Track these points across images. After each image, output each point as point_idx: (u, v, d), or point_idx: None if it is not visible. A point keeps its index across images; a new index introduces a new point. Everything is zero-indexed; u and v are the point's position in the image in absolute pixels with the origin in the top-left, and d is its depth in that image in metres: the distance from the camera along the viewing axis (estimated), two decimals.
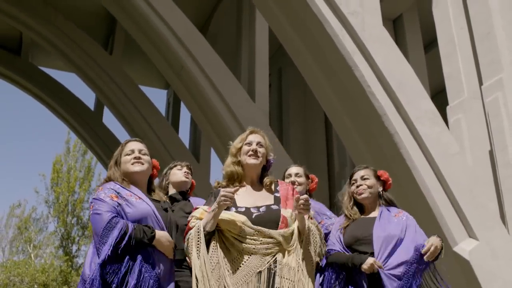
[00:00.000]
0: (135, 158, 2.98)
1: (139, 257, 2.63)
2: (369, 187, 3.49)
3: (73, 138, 26.95)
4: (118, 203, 2.74)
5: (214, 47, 9.89)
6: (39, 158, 49.29)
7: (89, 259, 2.70)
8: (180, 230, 3.38)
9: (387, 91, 5.91)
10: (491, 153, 6.20)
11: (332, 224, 3.64)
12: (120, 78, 13.27)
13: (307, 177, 3.99)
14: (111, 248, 2.56)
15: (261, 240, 2.65)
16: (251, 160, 2.90)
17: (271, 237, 2.66)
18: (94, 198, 2.79)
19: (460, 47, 6.90)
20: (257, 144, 2.96)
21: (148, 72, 16.13)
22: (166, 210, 2.95)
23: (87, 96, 46.99)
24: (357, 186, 3.51)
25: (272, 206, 2.80)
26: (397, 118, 5.85)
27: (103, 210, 2.69)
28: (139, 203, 2.80)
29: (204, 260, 2.62)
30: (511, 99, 5.90)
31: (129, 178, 2.96)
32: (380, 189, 3.55)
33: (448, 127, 6.40)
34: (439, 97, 10.31)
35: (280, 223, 2.73)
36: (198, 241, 2.68)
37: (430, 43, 11.32)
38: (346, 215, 3.50)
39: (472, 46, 6.75)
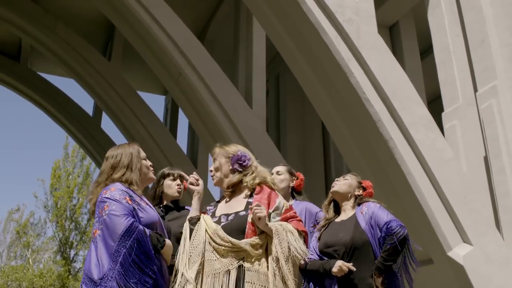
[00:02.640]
0: (151, 165, 3.06)
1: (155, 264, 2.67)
2: (342, 184, 3.52)
3: (72, 143, 27.03)
4: (133, 207, 2.71)
5: (211, 54, 9.94)
6: (38, 163, 49.30)
7: (94, 260, 2.62)
8: (177, 241, 3.45)
9: (382, 98, 5.96)
10: (486, 159, 6.25)
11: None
12: (118, 84, 13.31)
13: (291, 175, 4.09)
14: (138, 256, 2.57)
15: (231, 246, 2.67)
16: (214, 184, 3.01)
17: (239, 247, 2.66)
18: (108, 198, 2.70)
19: (455, 54, 6.97)
20: (213, 162, 3.05)
21: (146, 78, 16.18)
22: (162, 218, 3.01)
23: (85, 102, 47.17)
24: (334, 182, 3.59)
25: (241, 213, 2.79)
26: (392, 124, 5.90)
27: (121, 213, 2.62)
28: (149, 209, 2.83)
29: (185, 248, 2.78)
30: (505, 106, 5.97)
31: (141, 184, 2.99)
32: (358, 192, 3.54)
33: (443, 133, 6.45)
34: (435, 104, 10.39)
35: (247, 229, 2.70)
36: (185, 231, 2.88)
37: (426, 50, 11.39)
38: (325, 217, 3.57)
39: (467, 53, 6.82)
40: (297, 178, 4.09)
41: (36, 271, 24.90)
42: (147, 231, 2.66)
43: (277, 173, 4.04)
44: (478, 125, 6.46)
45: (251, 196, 2.88)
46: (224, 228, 2.73)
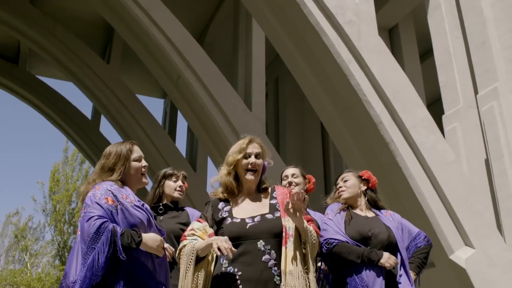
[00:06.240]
0: (144, 168, 2.89)
1: (139, 267, 2.58)
2: (348, 187, 3.54)
3: (72, 147, 26.96)
4: (113, 207, 2.62)
5: (211, 57, 9.91)
6: (37, 166, 49.23)
7: (74, 265, 2.57)
8: (175, 237, 3.39)
9: (383, 100, 5.93)
10: (487, 161, 6.22)
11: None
12: (117, 87, 13.28)
13: (304, 177, 3.97)
14: (103, 258, 2.46)
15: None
16: (250, 177, 2.85)
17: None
18: (90, 198, 2.64)
19: (456, 56, 6.94)
20: (256, 156, 2.89)
21: (145, 81, 16.16)
22: (155, 216, 2.90)
23: (84, 105, 47.16)
24: (338, 188, 3.58)
25: (267, 216, 2.74)
26: (393, 127, 5.87)
27: (94, 214, 2.56)
28: (133, 210, 2.68)
29: (188, 277, 2.66)
30: (506, 108, 5.93)
31: (129, 183, 2.86)
32: (364, 188, 3.60)
33: (443, 136, 6.42)
34: (435, 106, 10.36)
35: (283, 234, 2.67)
36: (189, 261, 2.67)
37: (426, 53, 11.38)
38: (342, 207, 3.51)
39: (468, 56, 6.79)
40: (309, 181, 3.98)
41: (34, 275, 24.83)
42: (119, 230, 2.54)
43: (293, 175, 3.91)
44: (479, 127, 6.43)
45: (271, 198, 2.88)
46: (251, 229, 2.69)
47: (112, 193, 2.67)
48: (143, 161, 2.90)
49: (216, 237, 2.67)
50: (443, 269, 5.64)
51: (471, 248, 5.55)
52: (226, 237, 2.62)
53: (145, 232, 2.67)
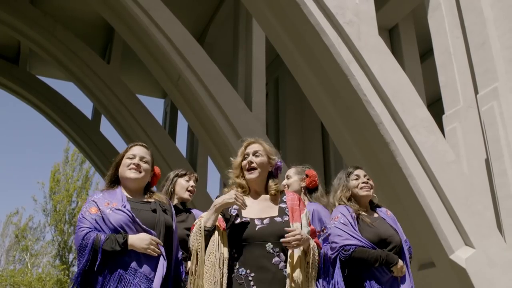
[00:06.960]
0: (134, 164, 2.95)
1: (120, 265, 2.66)
2: (372, 185, 3.53)
3: (72, 147, 26.96)
4: (96, 216, 2.76)
5: (211, 57, 9.91)
6: (38, 166, 49.24)
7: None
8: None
9: (383, 100, 5.93)
10: (487, 161, 6.22)
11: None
12: (117, 87, 13.29)
13: (301, 175, 3.95)
14: (82, 267, 2.63)
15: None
16: (249, 175, 2.92)
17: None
18: (79, 214, 2.83)
19: (456, 56, 6.94)
20: (253, 154, 2.94)
21: (145, 81, 16.16)
22: (155, 211, 2.89)
23: (84, 105, 47.19)
24: (363, 182, 3.49)
25: (276, 218, 2.78)
26: (393, 127, 5.87)
27: (81, 226, 2.74)
28: (113, 214, 2.76)
29: (200, 259, 2.68)
30: (507, 108, 5.93)
31: (122, 182, 2.97)
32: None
33: (444, 136, 6.42)
34: (435, 106, 10.36)
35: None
36: (199, 239, 2.72)
37: (426, 53, 11.38)
38: (349, 209, 3.40)
39: (468, 56, 6.79)
40: (307, 176, 3.92)
41: (34, 275, 24.83)
42: (102, 237, 2.67)
43: (286, 177, 3.92)
44: (479, 127, 6.43)
45: (280, 201, 2.91)
46: (260, 231, 2.72)
47: (95, 202, 2.83)
48: (136, 159, 2.98)
49: (222, 196, 2.77)
50: (443, 269, 5.64)
51: (471, 248, 5.54)
52: (232, 191, 2.75)
53: (133, 232, 2.74)
